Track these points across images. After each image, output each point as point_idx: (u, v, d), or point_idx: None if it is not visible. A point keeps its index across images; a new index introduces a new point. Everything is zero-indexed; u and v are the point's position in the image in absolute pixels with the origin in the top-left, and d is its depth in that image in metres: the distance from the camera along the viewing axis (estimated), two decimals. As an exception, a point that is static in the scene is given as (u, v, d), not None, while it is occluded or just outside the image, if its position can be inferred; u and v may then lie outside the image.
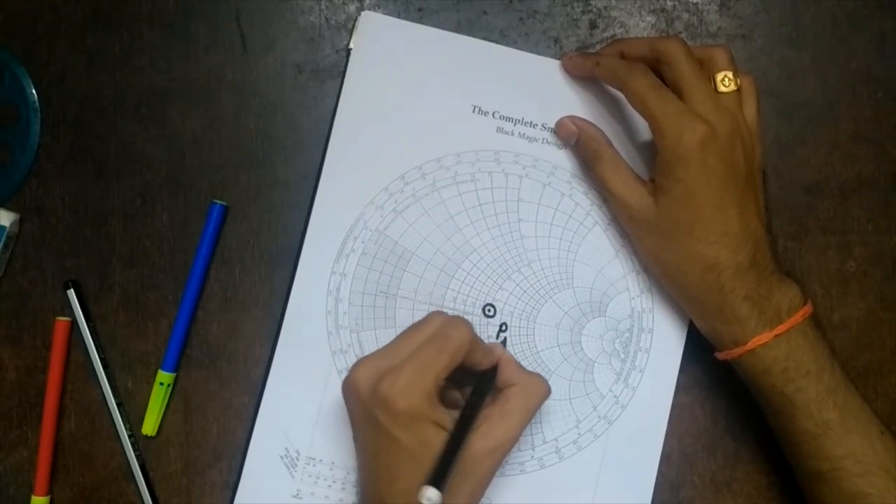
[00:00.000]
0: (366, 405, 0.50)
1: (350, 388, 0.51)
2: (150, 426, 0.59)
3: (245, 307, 0.60)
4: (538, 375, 0.53)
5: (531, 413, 0.52)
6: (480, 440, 0.50)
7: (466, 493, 0.50)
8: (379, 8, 0.61)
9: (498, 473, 0.58)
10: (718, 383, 0.60)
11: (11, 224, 0.59)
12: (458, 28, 0.61)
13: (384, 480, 0.50)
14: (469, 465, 0.49)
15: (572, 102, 0.60)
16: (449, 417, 0.50)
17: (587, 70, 0.58)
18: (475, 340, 0.51)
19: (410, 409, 0.48)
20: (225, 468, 0.60)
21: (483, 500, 0.58)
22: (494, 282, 0.60)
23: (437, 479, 0.46)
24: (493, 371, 0.53)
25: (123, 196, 0.60)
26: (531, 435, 0.59)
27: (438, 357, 0.50)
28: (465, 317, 0.58)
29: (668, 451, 0.59)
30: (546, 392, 0.53)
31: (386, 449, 0.49)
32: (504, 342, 0.59)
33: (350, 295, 0.59)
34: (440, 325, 0.51)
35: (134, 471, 0.59)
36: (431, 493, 0.45)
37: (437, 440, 0.48)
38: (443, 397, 0.53)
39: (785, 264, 0.60)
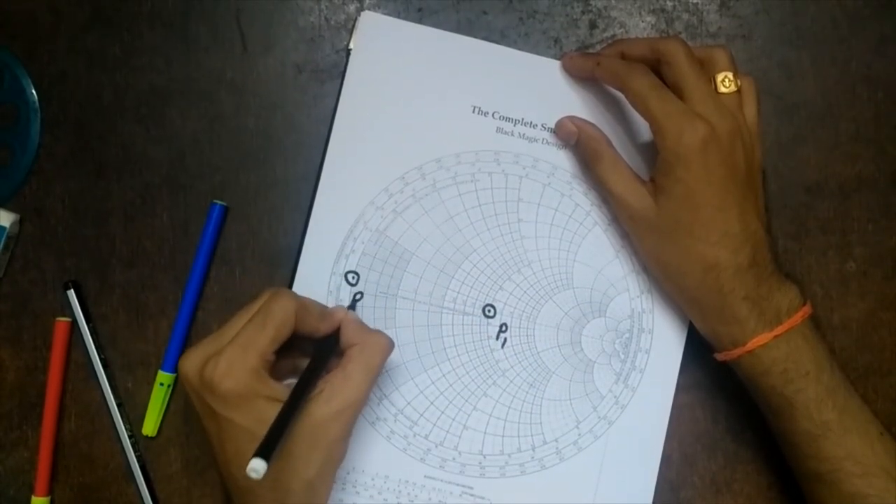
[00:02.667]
0: (197, 393, 0.50)
1: (182, 379, 0.51)
2: (150, 426, 0.59)
3: (245, 308, 0.60)
4: (379, 332, 0.53)
5: (374, 371, 0.51)
6: (324, 405, 0.49)
7: (318, 462, 0.49)
8: (379, 8, 0.61)
9: (498, 474, 0.59)
10: (718, 384, 0.60)
11: (11, 224, 0.59)
12: (458, 28, 0.61)
13: (233, 463, 0.50)
14: (316, 432, 0.49)
15: (572, 103, 0.59)
16: (285, 389, 0.49)
17: (587, 70, 0.58)
18: (304, 309, 0.51)
19: (237, 389, 0.48)
20: (225, 468, 0.60)
21: (483, 500, 0.58)
22: (494, 282, 0.60)
23: (264, 449, 0.44)
24: (334, 336, 0.52)
25: (123, 196, 0.60)
26: (531, 436, 0.59)
27: (261, 333, 0.49)
28: (466, 318, 0.59)
29: (668, 451, 0.59)
30: (387, 346, 0.52)
31: (227, 432, 0.49)
32: (353, 305, 0.58)
33: (350, 295, 0.59)
34: (264, 300, 0.51)
35: (134, 471, 0.59)
36: (256, 463, 0.43)
37: (272, 414, 0.48)
38: (287, 369, 0.53)
39: (785, 265, 0.60)
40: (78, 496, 0.60)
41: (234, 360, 0.49)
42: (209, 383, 0.49)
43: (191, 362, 0.50)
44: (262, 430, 0.46)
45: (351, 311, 0.54)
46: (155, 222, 0.60)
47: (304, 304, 0.51)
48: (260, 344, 0.49)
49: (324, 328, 0.52)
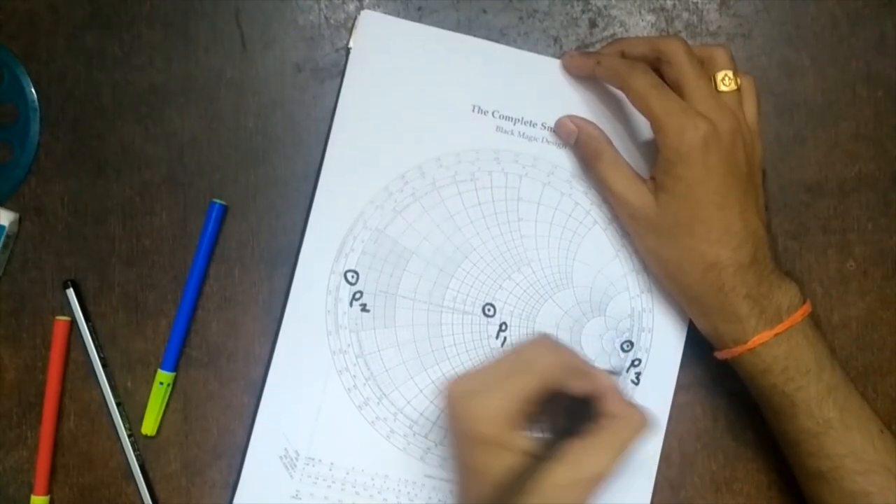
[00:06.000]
0: (453, 420, 0.50)
1: (444, 401, 0.51)
2: (149, 426, 0.59)
3: (244, 306, 0.60)
4: (639, 408, 0.51)
5: (623, 447, 0.49)
6: (566, 470, 0.48)
7: None
8: (378, 7, 0.61)
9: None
10: (718, 382, 0.60)
11: (11, 223, 0.59)
12: (458, 27, 0.61)
13: (466, 496, 0.51)
14: (551, 494, 0.48)
15: (572, 101, 0.59)
16: (533, 443, 0.49)
17: (587, 69, 0.58)
18: (571, 366, 0.51)
19: (488, 434, 0.48)
20: (224, 468, 0.59)
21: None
22: (494, 281, 0.60)
23: None
24: (590, 399, 0.51)
25: (123, 195, 0.60)
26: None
27: (524, 382, 0.49)
28: (465, 317, 0.59)
29: (667, 450, 0.59)
30: (642, 424, 0.50)
31: (469, 468, 0.50)
32: (618, 372, 0.58)
33: (350, 294, 0.59)
34: (534, 348, 0.51)
35: (133, 470, 0.59)
36: None
37: (511, 465, 0.48)
38: (537, 421, 0.52)
39: (785, 264, 0.60)
40: (77, 495, 0.60)
41: (494, 403, 0.48)
42: (466, 418, 0.49)
43: (458, 389, 0.50)
44: (495, 477, 0.47)
45: (614, 378, 0.53)
46: (154, 221, 0.60)
47: (567, 361, 0.51)
48: (515, 394, 0.49)
49: (580, 387, 0.51)
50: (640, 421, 0.50)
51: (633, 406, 0.51)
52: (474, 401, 0.49)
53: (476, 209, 0.60)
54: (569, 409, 0.51)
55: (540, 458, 0.48)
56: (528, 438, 0.49)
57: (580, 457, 0.49)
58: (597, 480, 0.49)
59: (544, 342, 0.51)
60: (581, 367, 0.52)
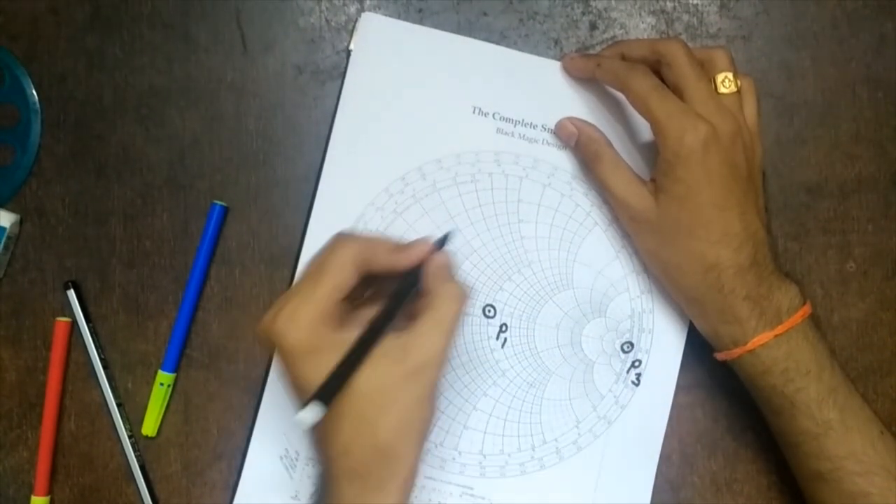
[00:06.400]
0: (275, 351, 0.47)
1: (259, 340, 0.48)
2: (150, 427, 0.59)
3: (245, 308, 0.60)
4: (452, 281, 0.48)
5: (447, 325, 0.47)
6: (392, 365, 0.46)
7: (389, 426, 0.45)
8: (379, 9, 0.61)
9: (498, 474, 0.58)
10: (719, 384, 0.60)
11: (12, 225, 0.59)
12: (458, 29, 0.61)
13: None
14: (385, 393, 0.45)
15: (573, 103, 0.59)
16: (353, 338, 0.46)
17: (588, 71, 0.58)
18: (369, 249, 0.48)
19: (301, 343, 0.45)
20: (225, 469, 0.60)
21: (482, 500, 0.58)
22: (495, 283, 0.60)
23: (314, 397, 0.43)
24: (414, 275, 0.48)
25: (123, 196, 0.60)
26: (531, 435, 0.59)
27: (317, 284, 0.46)
28: (465, 318, 0.58)
29: (668, 451, 0.59)
30: (459, 298, 0.47)
31: (300, 390, 0.46)
32: (444, 241, 0.51)
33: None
34: (332, 242, 0.48)
35: (134, 471, 0.59)
36: (303, 413, 0.42)
37: (334, 365, 0.45)
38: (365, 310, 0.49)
39: (785, 265, 0.60)
40: (77, 496, 0.60)
41: (293, 312, 0.46)
42: (275, 337, 0.46)
43: (265, 320, 0.47)
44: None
45: (438, 251, 0.49)
46: (155, 222, 0.60)
47: (369, 245, 0.48)
48: (318, 296, 0.46)
49: (394, 261, 0.48)
50: (453, 294, 0.48)
51: (447, 280, 0.48)
52: (280, 321, 0.46)
53: (476, 211, 0.60)
54: (395, 291, 0.48)
55: (365, 355, 0.45)
56: (345, 335, 0.46)
57: (406, 348, 0.46)
58: (430, 368, 0.46)
59: (336, 236, 0.48)
60: (388, 244, 0.49)
